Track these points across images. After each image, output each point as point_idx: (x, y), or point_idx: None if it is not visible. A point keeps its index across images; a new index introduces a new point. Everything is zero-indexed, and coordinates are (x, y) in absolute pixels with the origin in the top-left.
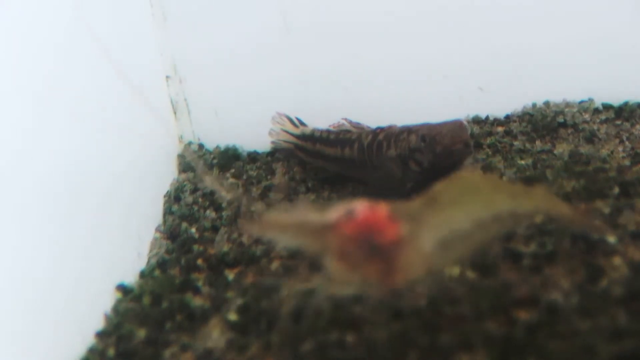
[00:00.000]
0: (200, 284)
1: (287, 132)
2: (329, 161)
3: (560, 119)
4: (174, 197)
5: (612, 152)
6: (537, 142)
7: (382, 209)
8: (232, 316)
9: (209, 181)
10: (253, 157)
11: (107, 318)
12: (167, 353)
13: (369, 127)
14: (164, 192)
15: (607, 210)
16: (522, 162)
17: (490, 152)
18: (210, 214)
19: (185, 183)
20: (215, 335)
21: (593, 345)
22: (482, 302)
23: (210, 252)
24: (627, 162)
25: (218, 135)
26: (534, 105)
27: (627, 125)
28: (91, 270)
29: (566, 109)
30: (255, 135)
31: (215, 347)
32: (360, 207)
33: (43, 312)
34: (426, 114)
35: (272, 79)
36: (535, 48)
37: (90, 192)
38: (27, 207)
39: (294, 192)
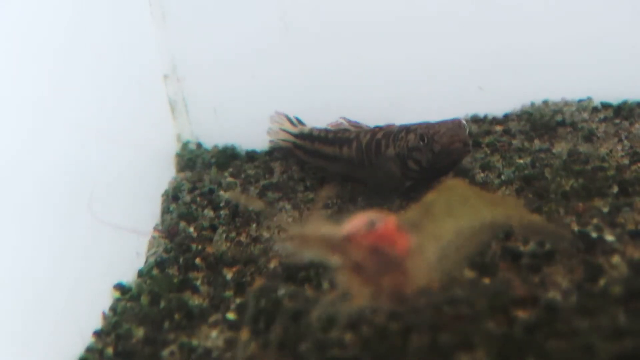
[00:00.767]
0: (198, 283)
1: (285, 131)
2: (328, 160)
3: (559, 118)
4: (172, 196)
5: (610, 151)
6: (536, 141)
7: (392, 220)
8: (231, 315)
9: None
10: (251, 156)
11: (105, 317)
12: (166, 352)
13: (367, 126)
14: (162, 191)
15: (606, 209)
16: (521, 161)
17: (488, 151)
18: (209, 213)
19: (183, 182)
20: (214, 335)
21: (592, 345)
22: (481, 301)
23: (209, 250)
24: (625, 161)
25: (216, 134)
26: (533, 104)
27: (626, 124)
28: (90, 269)
29: (565, 108)
30: (253, 134)
31: (214, 347)
32: (376, 218)
33: (42, 311)
34: (425, 113)
35: (271, 79)
36: (534, 47)
37: (89, 192)
38: (27, 207)
39: (292, 190)
